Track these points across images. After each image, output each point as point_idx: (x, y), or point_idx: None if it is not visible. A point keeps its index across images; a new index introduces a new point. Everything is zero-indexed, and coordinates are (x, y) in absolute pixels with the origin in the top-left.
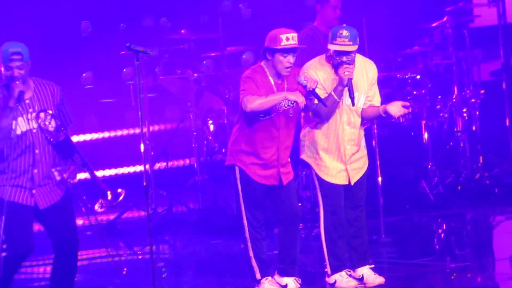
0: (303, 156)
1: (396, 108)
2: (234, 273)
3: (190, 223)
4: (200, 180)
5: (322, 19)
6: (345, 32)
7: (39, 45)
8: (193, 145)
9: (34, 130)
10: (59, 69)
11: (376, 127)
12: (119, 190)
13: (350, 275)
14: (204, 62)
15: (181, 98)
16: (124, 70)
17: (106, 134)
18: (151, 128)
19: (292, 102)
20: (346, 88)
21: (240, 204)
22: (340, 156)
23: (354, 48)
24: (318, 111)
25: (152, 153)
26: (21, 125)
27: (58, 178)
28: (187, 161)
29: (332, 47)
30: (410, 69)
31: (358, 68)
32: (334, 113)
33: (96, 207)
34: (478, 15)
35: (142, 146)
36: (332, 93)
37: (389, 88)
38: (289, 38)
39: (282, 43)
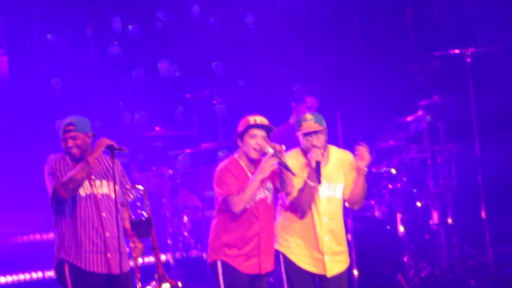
0: (276, 246)
1: (359, 156)
2: None
3: None
4: (175, 276)
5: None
6: (309, 116)
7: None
8: (168, 241)
9: (99, 196)
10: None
11: (351, 221)
12: (180, 285)
13: None
14: (179, 157)
15: (156, 194)
16: None
17: None
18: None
19: (268, 189)
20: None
21: None
22: (317, 246)
23: (320, 128)
24: (299, 199)
25: (127, 250)
26: (85, 187)
27: (127, 250)
28: (163, 257)
29: (300, 133)
30: (385, 163)
31: (333, 160)
32: (313, 200)
33: None
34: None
35: None
36: (306, 179)
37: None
38: (256, 120)
39: (250, 123)
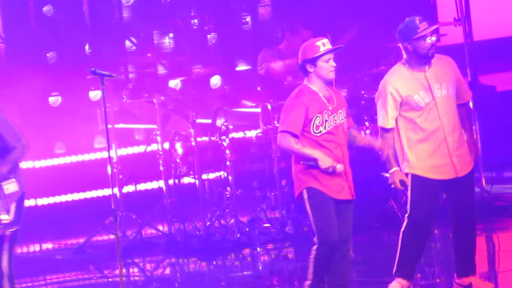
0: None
1: None
2: None
3: (160, 245)
4: (168, 203)
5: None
6: (418, 18)
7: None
8: (161, 168)
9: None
10: (25, 91)
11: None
12: None
13: (456, 283)
14: (171, 83)
15: (148, 121)
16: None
17: (74, 159)
18: (118, 152)
19: (344, 117)
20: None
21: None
22: (443, 150)
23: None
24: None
25: (120, 177)
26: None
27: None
28: (156, 184)
29: (422, 33)
30: (377, 89)
31: (434, 63)
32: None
33: None
34: (444, 34)
35: (109, 170)
36: None
37: (356, 108)
38: (325, 44)
39: (321, 49)
